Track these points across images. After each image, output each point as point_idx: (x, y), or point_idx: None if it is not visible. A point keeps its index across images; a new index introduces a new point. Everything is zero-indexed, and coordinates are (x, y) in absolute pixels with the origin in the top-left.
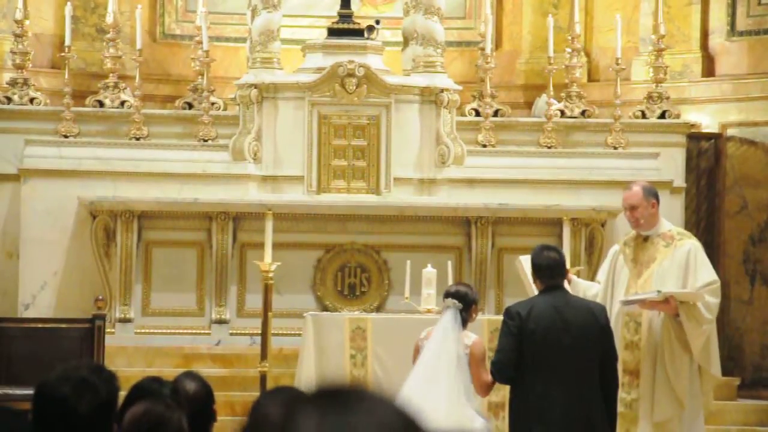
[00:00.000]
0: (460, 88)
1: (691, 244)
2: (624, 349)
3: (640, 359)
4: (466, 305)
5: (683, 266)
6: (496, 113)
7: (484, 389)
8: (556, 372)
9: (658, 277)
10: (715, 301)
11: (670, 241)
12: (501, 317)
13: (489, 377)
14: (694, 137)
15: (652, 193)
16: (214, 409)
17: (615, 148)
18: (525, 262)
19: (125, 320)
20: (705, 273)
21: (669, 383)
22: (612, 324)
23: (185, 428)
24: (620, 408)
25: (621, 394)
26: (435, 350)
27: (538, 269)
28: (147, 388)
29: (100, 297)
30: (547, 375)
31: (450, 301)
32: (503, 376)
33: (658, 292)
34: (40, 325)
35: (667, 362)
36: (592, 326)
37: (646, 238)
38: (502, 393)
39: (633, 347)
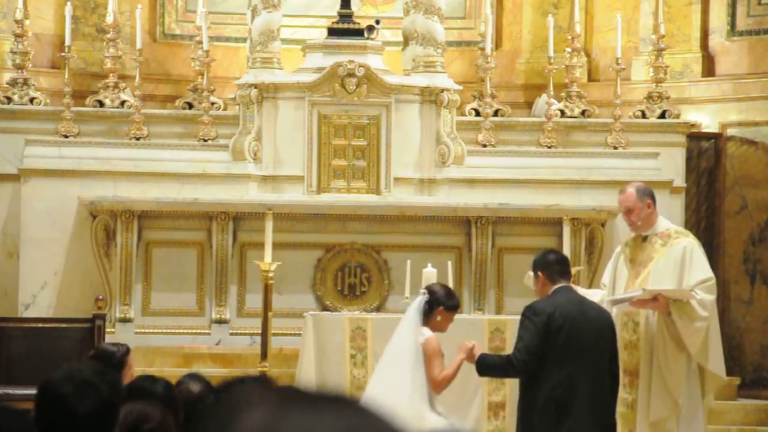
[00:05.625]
0: (460, 88)
1: (688, 242)
2: (623, 349)
3: (639, 359)
4: (434, 301)
5: (679, 264)
6: (496, 113)
7: (437, 386)
8: (582, 366)
9: (654, 277)
10: (710, 297)
11: (667, 240)
12: (501, 317)
13: (440, 374)
14: (694, 137)
15: (646, 193)
16: None
17: (615, 147)
18: None
19: (125, 320)
20: (699, 270)
21: (664, 382)
22: None
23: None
24: (621, 408)
25: (622, 394)
26: (398, 340)
27: (547, 265)
28: (140, 387)
29: (100, 297)
30: (575, 368)
31: (422, 290)
32: (529, 370)
33: (643, 290)
34: (40, 325)
35: (661, 361)
36: (607, 325)
37: (645, 238)
38: (502, 392)
39: (632, 347)
